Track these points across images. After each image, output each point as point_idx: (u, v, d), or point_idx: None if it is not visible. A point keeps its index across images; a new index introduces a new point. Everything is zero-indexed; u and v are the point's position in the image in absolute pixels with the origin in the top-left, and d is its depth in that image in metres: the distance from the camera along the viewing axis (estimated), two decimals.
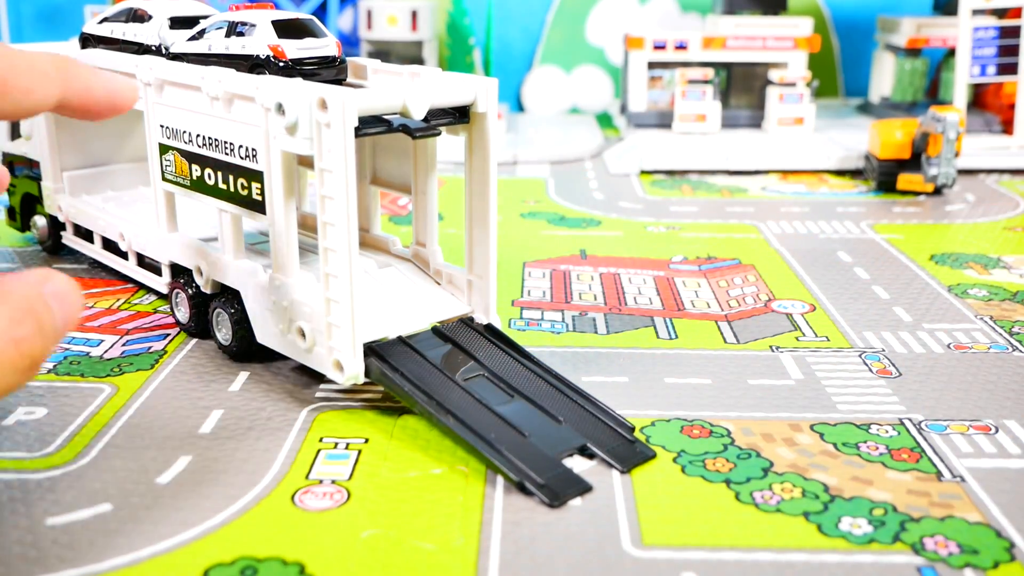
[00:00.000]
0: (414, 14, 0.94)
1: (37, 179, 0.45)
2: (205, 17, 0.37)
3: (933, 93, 0.93)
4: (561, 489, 0.27)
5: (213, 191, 0.34)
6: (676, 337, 0.38)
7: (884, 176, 0.64)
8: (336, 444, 0.30)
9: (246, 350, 0.35)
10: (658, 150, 0.70)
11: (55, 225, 0.46)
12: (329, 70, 0.33)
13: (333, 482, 0.27)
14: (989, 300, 0.43)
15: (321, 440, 0.30)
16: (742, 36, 0.82)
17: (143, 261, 0.41)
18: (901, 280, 0.46)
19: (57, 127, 0.44)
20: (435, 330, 0.34)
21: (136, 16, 0.39)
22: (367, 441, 0.30)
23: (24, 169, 0.46)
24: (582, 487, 0.27)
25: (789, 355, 0.37)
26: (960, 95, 0.74)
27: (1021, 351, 0.37)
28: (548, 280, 0.45)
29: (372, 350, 0.31)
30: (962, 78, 0.74)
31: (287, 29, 0.33)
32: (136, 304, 0.41)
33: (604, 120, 0.91)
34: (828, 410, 0.32)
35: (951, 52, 0.87)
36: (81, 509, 0.26)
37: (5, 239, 0.50)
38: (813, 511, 0.26)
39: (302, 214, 0.42)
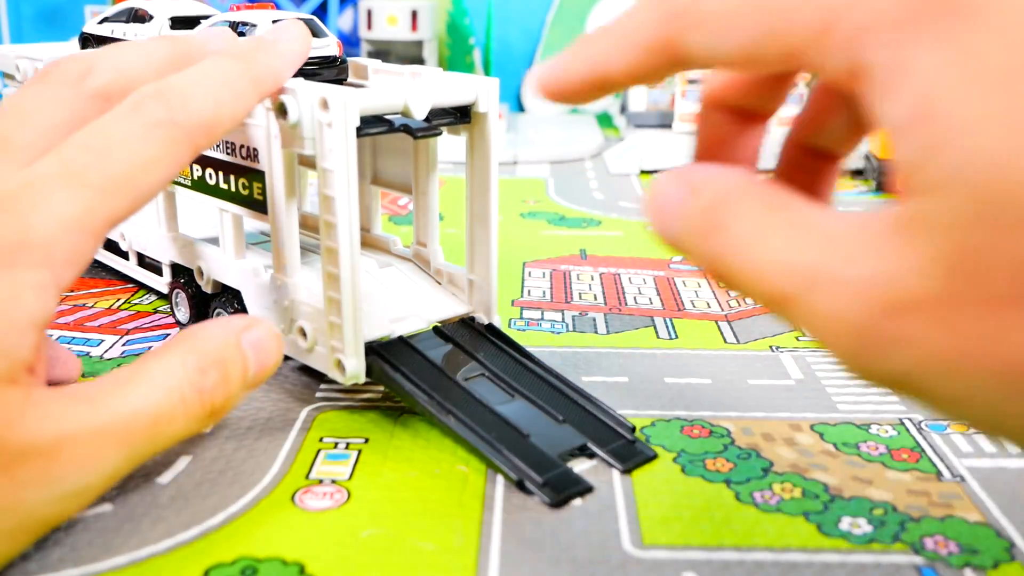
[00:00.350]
0: (414, 14, 0.94)
1: None
2: (206, 17, 0.37)
3: None
4: (561, 488, 0.27)
5: (214, 191, 0.34)
6: (676, 337, 0.38)
7: (884, 176, 0.64)
8: (336, 444, 0.30)
9: None
10: (658, 150, 0.70)
11: None
12: (330, 70, 0.33)
13: (333, 482, 0.27)
14: None
15: (321, 440, 0.30)
16: None
17: (143, 261, 0.41)
18: None
19: None
20: (436, 330, 0.34)
21: (137, 16, 0.39)
22: (367, 441, 0.30)
23: None
24: (583, 487, 0.27)
25: (789, 355, 0.37)
26: None
27: None
28: (548, 280, 0.45)
29: (373, 350, 0.31)
30: None
31: None
32: (136, 304, 0.41)
33: (604, 120, 0.92)
34: (828, 410, 0.32)
35: None
36: None
37: None
38: (813, 511, 0.26)
39: (302, 214, 0.42)
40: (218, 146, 0.33)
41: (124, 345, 0.37)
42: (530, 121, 0.90)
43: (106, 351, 0.36)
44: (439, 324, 0.34)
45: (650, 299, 0.43)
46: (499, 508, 0.26)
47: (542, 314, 0.41)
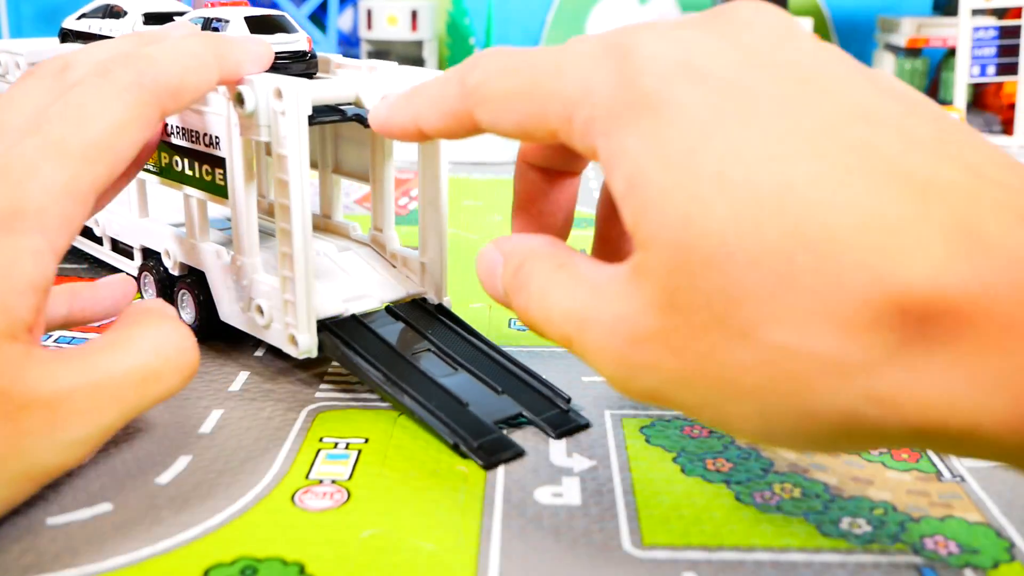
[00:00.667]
0: (414, 14, 0.94)
1: None
2: (180, 13, 0.39)
3: (933, 93, 0.93)
4: (493, 452, 0.29)
5: (180, 177, 0.36)
6: None
7: None
8: (336, 444, 0.30)
9: (209, 329, 0.36)
10: None
11: None
12: (299, 64, 0.35)
13: (333, 482, 0.27)
14: None
15: (321, 440, 0.30)
16: None
17: (117, 246, 0.43)
18: None
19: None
20: (388, 309, 0.35)
21: (112, 12, 0.40)
22: (367, 441, 0.30)
23: None
24: (514, 451, 0.29)
25: None
26: (960, 95, 0.74)
27: None
28: None
29: (326, 326, 0.33)
30: (962, 78, 0.74)
31: (259, 25, 0.35)
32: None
33: None
34: None
35: (951, 52, 0.87)
36: (81, 509, 0.26)
37: None
38: (813, 511, 0.26)
39: (270, 202, 0.43)
40: (183, 134, 0.34)
41: None
42: None
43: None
44: (392, 304, 0.35)
45: None
46: (499, 508, 0.26)
47: None
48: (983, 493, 0.27)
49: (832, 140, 0.19)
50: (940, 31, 0.85)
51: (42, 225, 0.24)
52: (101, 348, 0.25)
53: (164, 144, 0.36)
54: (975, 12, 0.73)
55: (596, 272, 0.23)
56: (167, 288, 0.38)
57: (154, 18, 0.39)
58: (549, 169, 0.29)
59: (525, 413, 0.31)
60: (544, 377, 0.32)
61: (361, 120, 0.31)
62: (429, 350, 0.33)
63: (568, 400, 0.32)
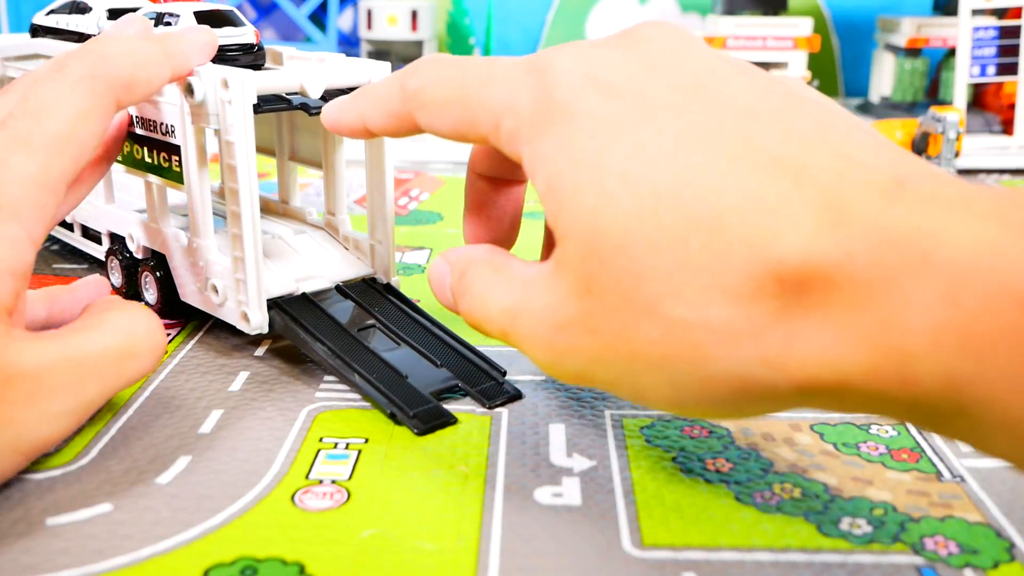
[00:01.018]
0: (414, 14, 0.94)
1: None
2: (139, 8, 0.40)
3: (933, 93, 0.93)
4: (428, 420, 0.30)
5: (141, 164, 0.37)
6: None
7: None
8: (336, 444, 0.30)
9: (171, 309, 0.38)
10: None
11: None
12: (247, 56, 0.37)
13: (333, 482, 0.27)
14: None
15: (321, 440, 0.30)
16: (742, 36, 0.82)
17: (87, 232, 0.44)
18: None
19: None
20: (338, 288, 0.37)
21: (78, 8, 0.42)
22: (367, 441, 0.30)
23: None
24: (447, 420, 0.30)
25: None
26: (960, 95, 0.74)
27: None
28: None
29: (278, 304, 0.35)
30: (962, 78, 0.74)
31: (208, 19, 0.36)
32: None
33: None
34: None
35: (951, 52, 0.87)
36: (81, 509, 0.26)
37: None
38: (813, 511, 0.26)
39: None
40: (143, 124, 0.36)
41: None
42: None
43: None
44: (342, 284, 0.37)
45: None
46: (499, 508, 0.26)
47: None
48: (983, 493, 0.27)
49: (719, 136, 0.22)
50: (940, 31, 0.85)
51: (17, 214, 0.26)
52: (77, 330, 0.27)
53: (128, 134, 0.37)
54: (975, 12, 0.73)
55: (527, 271, 0.25)
56: (131, 271, 0.40)
57: (118, 13, 0.40)
58: (495, 178, 0.31)
59: (461, 384, 0.32)
60: (481, 351, 0.34)
61: (306, 109, 0.33)
62: (375, 327, 0.35)
63: (504, 373, 0.33)
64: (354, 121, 0.29)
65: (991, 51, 0.73)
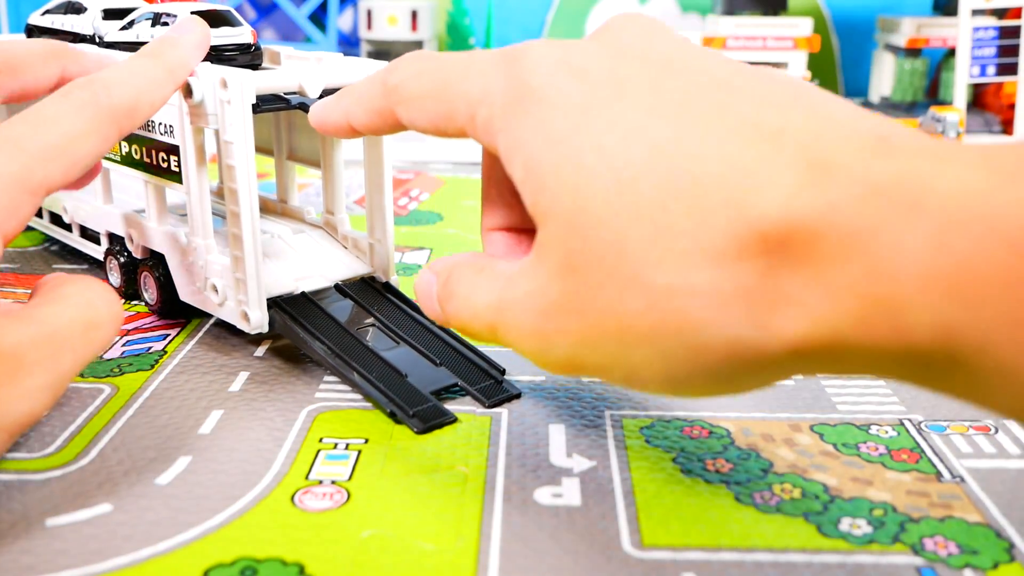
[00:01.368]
0: (414, 14, 0.94)
1: None
2: (136, 9, 0.40)
3: (933, 93, 0.93)
4: (427, 419, 0.30)
5: (139, 165, 0.37)
6: None
7: None
8: (336, 444, 0.30)
9: (170, 308, 0.38)
10: None
11: None
12: (244, 56, 0.37)
13: (333, 482, 0.27)
14: None
15: (321, 440, 0.30)
16: (742, 36, 0.82)
17: (85, 233, 0.44)
18: None
19: (8, 112, 0.45)
20: (337, 287, 0.37)
21: (73, 8, 0.42)
22: (367, 441, 0.30)
23: None
24: (447, 419, 0.30)
25: None
26: (960, 95, 0.74)
27: None
28: None
29: (277, 304, 0.35)
30: (962, 78, 0.74)
31: (205, 19, 0.36)
32: (136, 304, 0.41)
33: None
34: (828, 411, 0.32)
35: (951, 52, 0.87)
36: (81, 509, 0.26)
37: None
38: (813, 512, 0.26)
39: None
40: (142, 124, 0.36)
41: (123, 345, 0.37)
42: None
43: (106, 351, 0.36)
44: (341, 282, 0.37)
45: None
46: (499, 508, 0.26)
47: None
48: (983, 493, 0.27)
49: (694, 105, 0.22)
50: (940, 31, 0.85)
51: None
52: (41, 305, 0.27)
53: (129, 134, 0.37)
54: (975, 12, 0.73)
55: (510, 266, 0.25)
56: (131, 271, 0.40)
57: (113, 13, 0.40)
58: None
59: (460, 383, 0.33)
60: (480, 350, 0.34)
61: (304, 108, 0.33)
62: (374, 325, 0.35)
63: (503, 372, 0.33)
64: (339, 119, 0.29)
65: (991, 51, 0.73)
